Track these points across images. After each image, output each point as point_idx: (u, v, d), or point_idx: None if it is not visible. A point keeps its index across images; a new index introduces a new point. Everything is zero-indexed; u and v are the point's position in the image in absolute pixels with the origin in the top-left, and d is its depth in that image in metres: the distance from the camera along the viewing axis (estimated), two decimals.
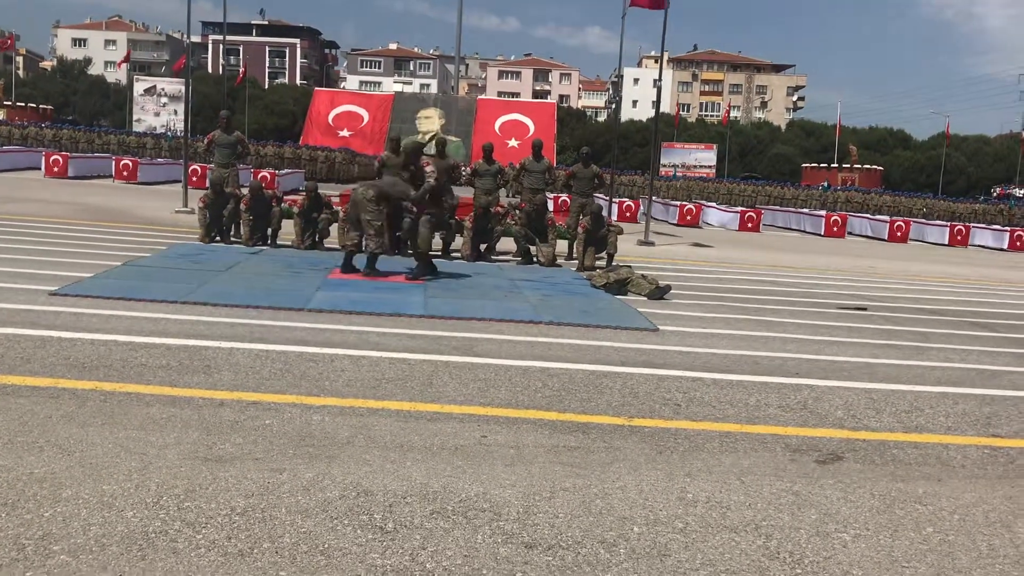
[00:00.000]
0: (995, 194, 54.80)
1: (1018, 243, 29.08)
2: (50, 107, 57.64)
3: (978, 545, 3.75)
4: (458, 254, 13.11)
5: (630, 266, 11.68)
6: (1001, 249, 28.82)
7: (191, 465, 3.98)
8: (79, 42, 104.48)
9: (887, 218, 31.40)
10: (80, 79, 75.70)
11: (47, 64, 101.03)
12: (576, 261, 13.19)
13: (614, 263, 12.65)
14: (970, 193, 56.43)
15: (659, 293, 10.32)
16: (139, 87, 55.51)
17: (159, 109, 54.36)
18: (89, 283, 8.49)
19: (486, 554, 3.30)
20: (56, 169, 27.97)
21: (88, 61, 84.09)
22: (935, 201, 43.70)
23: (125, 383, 5.22)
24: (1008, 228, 31.46)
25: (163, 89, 55.33)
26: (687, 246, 19.64)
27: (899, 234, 28.73)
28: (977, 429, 5.66)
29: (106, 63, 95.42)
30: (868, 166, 58.59)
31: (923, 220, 34.43)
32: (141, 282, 8.76)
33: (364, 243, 10.53)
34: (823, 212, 32.28)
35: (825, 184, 48.59)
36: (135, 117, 53.70)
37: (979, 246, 29.61)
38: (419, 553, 3.26)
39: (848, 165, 57.68)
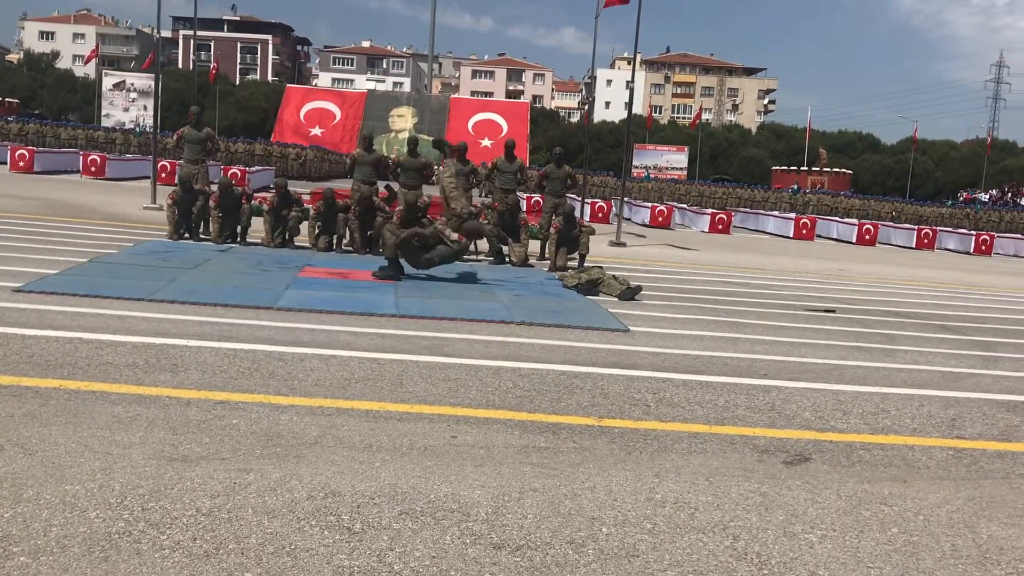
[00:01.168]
0: (961, 198, 55.55)
1: (983, 247, 29.52)
2: (16, 100, 56.72)
3: (942, 546, 3.79)
4: None
5: (601, 267, 11.71)
6: (967, 253, 29.24)
7: (156, 465, 3.93)
8: (47, 35, 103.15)
9: (856, 221, 31.76)
10: (47, 73, 74.62)
11: (13, 57, 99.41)
12: (548, 261, 13.20)
13: (586, 264, 12.67)
14: (937, 197, 57.12)
15: (630, 294, 10.35)
16: (108, 82, 54.87)
17: (128, 104, 53.77)
18: (54, 280, 8.37)
19: (454, 555, 3.29)
20: (22, 164, 27.57)
21: (56, 55, 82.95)
22: (903, 205, 44.25)
23: (90, 381, 5.15)
24: (974, 232, 31.95)
25: (132, 84, 54.73)
26: (658, 247, 19.73)
27: (867, 237, 29.07)
28: (942, 431, 5.72)
29: (74, 57, 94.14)
30: (837, 170, 59.20)
31: (891, 223, 34.83)
32: (108, 279, 8.65)
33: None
34: (793, 215, 32.58)
35: (795, 187, 49.01)
36: (104, 112, 53.08)
37: (946, 249, 30.02)
38: (387, 554, 3.24)
39: (818, 168, 58.23)
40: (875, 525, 3.96)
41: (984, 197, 53.52)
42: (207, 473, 3.88)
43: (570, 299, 10.04)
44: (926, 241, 29.74)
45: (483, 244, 13.60)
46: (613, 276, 10.81)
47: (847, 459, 4.93)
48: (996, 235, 31.55)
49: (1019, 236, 33.31)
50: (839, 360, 7.80)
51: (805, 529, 3.84)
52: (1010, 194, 56.02)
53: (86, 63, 52.63)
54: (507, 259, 13.16)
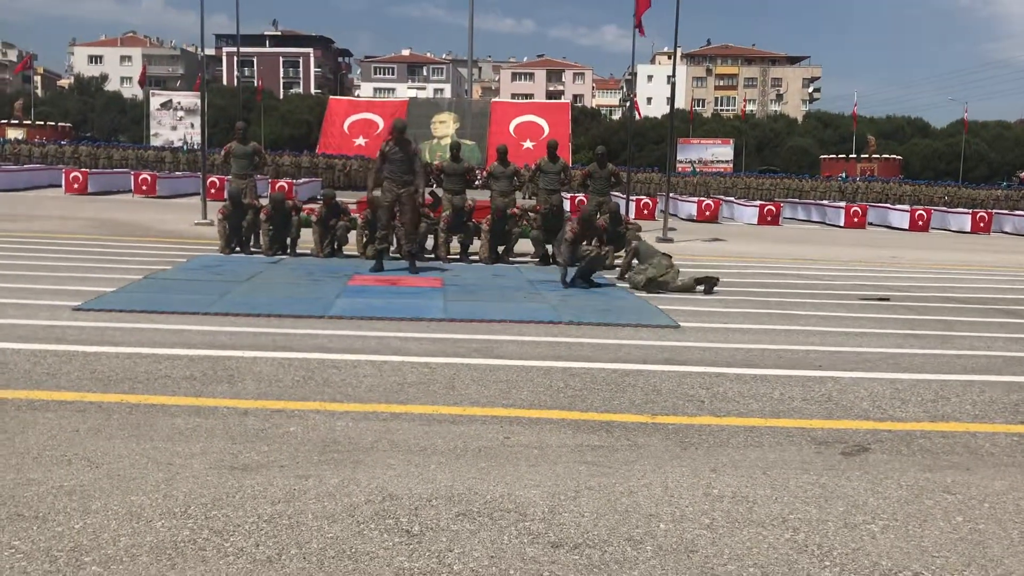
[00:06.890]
0: (1017, 180, 54.21)
1: None
2: (69, 125, 58.13)
3: (1010, 533, 3.71)
4: (476, 257, 13.13)
5: (670, 255, 11.35)
6: None
7: (217, 474, 4.01)
8: (95, 59, 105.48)
9: (908, 208, 31.16)
10: (97, 96, 76.30)
11: (64, 82, 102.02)
12: None
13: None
14: (992, 179, 55.85)
15: (710, 284, 10.35)
16: (155, 102, 55.97)
17: (175, 123, 54.81)
18: (112, 297, 8.56)
19: (513, 555, 3.30)
20: (76, 186, 28.26)
21: (104, 78, 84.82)
22: (956, 188, 43.35)
23: (150, 395, 5.26)
24: None
25: (179, 103, 55.81)
26: (706, 242, 19.57)
27: (920, 223, 28.50)
28: (1005, 416, 5.60)
29: (122, 79, 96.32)
30: (887, 156, 58.15)
31: (944, 208, 34.12)
32: (163, 295, 8.83)
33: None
34: (843, 203, 32.08)
35: (844, 175, 48.26)
36: (152, 131, 54.15)
37: (1003, 232, 29.32)
38: (446, 555, 3.27)
39: (867, 155, 57.26)
40: (938, 514, 3.89)
41: None
42: (267, 480, 3.95)
43: (618, 297, 10.01)
44: (982, 225, 29.05)
45: (529, 246, 13.61)
46: (677, 270, 10.73)
47: (907, 448, 4.85)
48: None
49: None
50: (895, 348, 7.67)
51: (866, 520, 3.79)
52: None
53: (141, 84, 53.77)
54: (551, 259, 13.15)
